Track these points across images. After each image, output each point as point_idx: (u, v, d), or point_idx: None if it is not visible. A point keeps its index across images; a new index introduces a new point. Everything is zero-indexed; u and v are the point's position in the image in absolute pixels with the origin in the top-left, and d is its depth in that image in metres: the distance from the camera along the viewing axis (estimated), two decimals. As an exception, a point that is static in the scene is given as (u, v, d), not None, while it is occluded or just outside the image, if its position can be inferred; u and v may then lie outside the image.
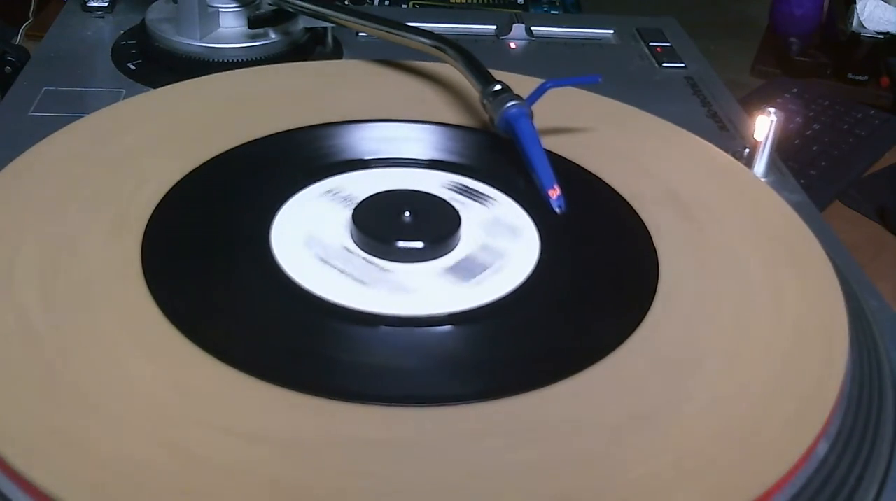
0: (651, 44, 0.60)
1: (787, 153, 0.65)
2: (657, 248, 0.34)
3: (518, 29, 0.60)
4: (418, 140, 0.40)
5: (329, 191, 0.36)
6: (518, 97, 0.37)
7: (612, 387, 0.27)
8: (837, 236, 0.40)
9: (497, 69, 0.41)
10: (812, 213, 0.42)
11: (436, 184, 0.37)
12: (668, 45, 0.60)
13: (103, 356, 0.27)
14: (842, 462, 0.26)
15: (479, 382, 0.28)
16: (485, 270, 0.32)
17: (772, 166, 0.45)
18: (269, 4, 0.50)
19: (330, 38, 0.55)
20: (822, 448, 0.26)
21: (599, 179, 0.38)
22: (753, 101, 0.70)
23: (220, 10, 0.50)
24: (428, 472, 0.24)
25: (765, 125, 0.44)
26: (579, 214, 0.35)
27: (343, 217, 0.34)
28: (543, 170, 0.35)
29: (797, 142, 0.69)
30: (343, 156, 0.39)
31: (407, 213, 0.34)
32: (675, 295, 0.31)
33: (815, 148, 0.68)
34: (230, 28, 0.51)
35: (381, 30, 0.46)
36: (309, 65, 0.49)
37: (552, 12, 0.80)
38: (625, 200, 0.36)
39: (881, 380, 0.30)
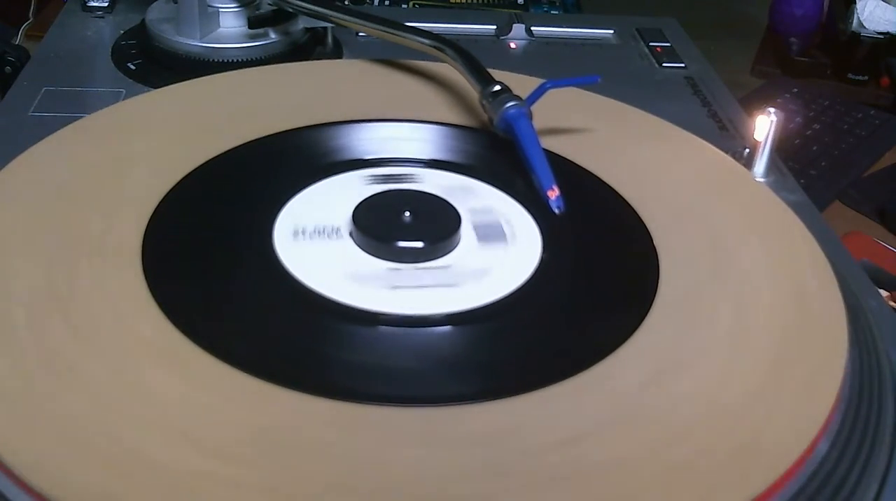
0: (651, 44, 0.60)
1: (787, 153, 0.65)
2: (657, 249, 0.34)
3: (518, 29, 0.60)
4: (418, 140, 0.40)
5: (328, 191, 0.36)
6: (517, 97, 0.37)
7: (612, 388, 0.27)
8: (837, 236, 0.40)
9: (497, 69, 0.41)
10: (812, 213, 0.42)
11: (436, 184, 0.37)
12: (668, 45, 0.60)
13: (104, 357, 0.27)
14: (841, 462, 0.26)
15: (478, 383, 0.28)
16: (485, 270, 0.32)
17: (772, 166, 0.45)
18: (269, 4, 0.50)
19: (330, 38, 0.55)
20: (822, 448, 0.26)
21: (599, 179, 0.38)
22: (753, 101, 0.70)
23: (220, 10, 0.50)
24: (426, 472, 0.24)
25: (765, 125, 0.44)
26: (579, 215, 0.35)
27: (343, 217, 0.34)
28: (542, 171, 0.35)
29: (797, 142, 0.69)
30: (343, 156, 0.39)
31: (407, 213, 0.34)
32: (674, 295, 0.31)
33: (815, 148, 0.68)
34: (230, 28, 0.51)
35: (381, 30, 0.46)
36: (309, 65, 0.49)
37: (552, 12, 0.80)
38: (625, 200, 0.36)
39: (881, 380, 0.30)
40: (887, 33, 0.82)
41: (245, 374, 0.26)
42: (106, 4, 0.58)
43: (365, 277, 0.31)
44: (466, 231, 0.34)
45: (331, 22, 0.50)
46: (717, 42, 0.85)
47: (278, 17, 0.50)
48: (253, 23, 0.50)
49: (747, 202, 0.37)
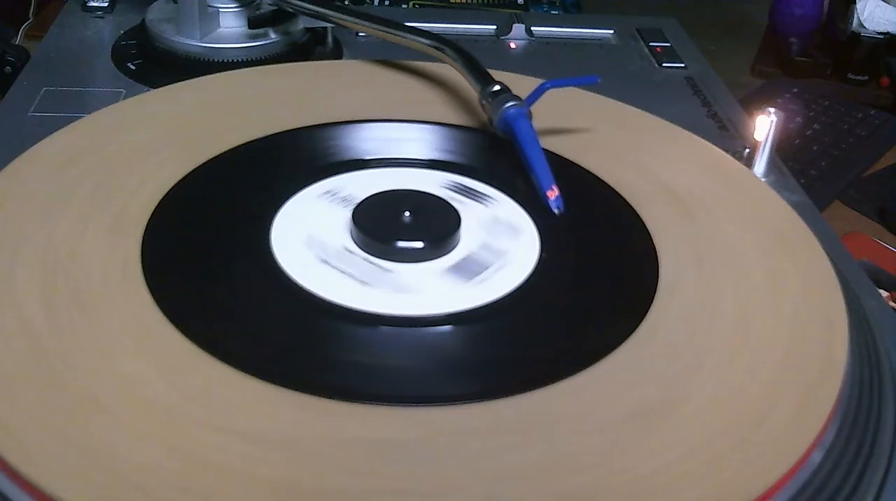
0: (651, 44, 0.60)
1: (787, 153, 0.65)
2: (657, 248, 0.34)
3: (518, 29, 0.60)
4: (418, 140, 0.40)
5: (329, 192, 0.36)
6: (517, 98, 0.37)
7: (611, 388, 0.27)
8: (837, 236, 0.40)
9: (497, 69, 0.41)
10: (812, 213, 0.42)
11: (436, 184, 0.37)
12: (668, 45, 0.60)
13: (103, 356, 0.27)
14: (841, 462, 0.26)
15: (479, 382, 0.28)
16: (485, 270, 0.32)
17: (772, 166, 0.45)
18: (269, 4, 0.50)
19: (330, 38, 0.55)
20: (822, 449, 0.26)
21: (599, 179, 0.38)
22: (753, 101, 0.70)
23: (220, 10, 0.50)
24: (426, 472, 0.24)
25: (765, 125, 0.44)
26: (579, 214, 0.35)
27: (343, 217, 0.34)
28: (542, 171, 0.35)
29: (797, 142, 0.69)
30: (343, 156, 0.39)
31: (407, 213, 0.34)
32: (674, 295, 0.31)
33: (815, 148, 0.68)
34: (230, 28, 0.51)
35: (381, 30, 0.46)
36: (309, 65, 0.49)
37: (552, 12, 0.80)
38: (625, 200, 0.36)
39: (881, 381, 0.30)
40: (887, 33, 0.82)
41: (244, 375, 0.26)
42: (106, 4, 0.58)
43: (364, 277, 0.31)
44: (466, 230, 0.34)
45: (331, 22, 0.50)
46: (717, 42, 0.85)
47: (278, 17, 0.50)
48: (253, 23, 0.50)
49: (748, 202, 0.37)
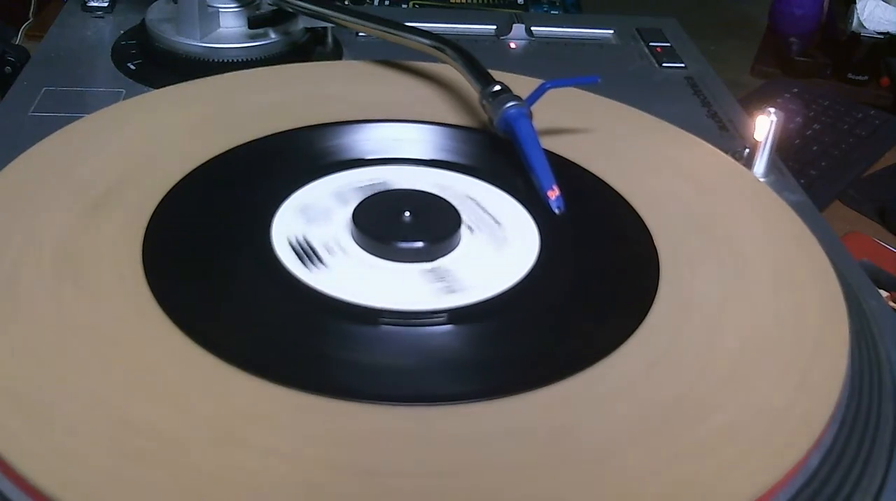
0: (651, 44, 0.60)
1: (787, 153, 0.65)
2: (657, 248, 0.34)
3: (518, 29, 0.60)
4: (418, 140, 0.40)
5: (329, 191, 0.36)
6: (517, 97, 0.37)
7: (610, 389, 0.27)
8: (837, 236, 0.40)
9: (497, 69, 0.41)
10: (812, 213, 0.42)
11: (436, 184, 0.37)
12: (668, 45, 0.60)
13: (104, 356, 0.27)
14: (842, 461, 0.26)
15: (476, 381, 0.28)
16: (484, 270, 0.32)
17: (772, 166, 0.45)
18: (269, 4, 0.50)
19: (330, 38, 0.55)
20: (823, 449, 0.26)
21: (599, 179, 0.38)
22: (753, 101, 0.70)
23: (220, 10, 0.50)
24: (424, 471, 0.24)
25: (765, 125, 0.44)
26: (579, 214, 0.35)
27: (343, 217, 0.34)
28: (542, 171, 0.35)
29: (797, 142, 0.69)
30: (343, 155, 0.39)
31: (407, 213, 0.34)
32: (674, 295, 0.31)
33: (815, 148, 0.68)
34: (230, 28, 0.51)
35: (381, 30, 0.46)
36: (309, 65, 0.49)
37: (552, 12, 0.80)
38: (625, 200, 0.36)
39: (881, 380, 0.30)
40: (887, 33, 0.82)
41: (244, 372, 0.26)
42: (106, 4, 0.58)
43: (363, 276, 0.31)
44: (466, 230, 0.34)
45: (331, 22, 0.50)
46: (717, 42, 0.85)
47: (278, 17, 0.50)
48: (253, 23, 0.50)
49: (748, 202, 0.37)
